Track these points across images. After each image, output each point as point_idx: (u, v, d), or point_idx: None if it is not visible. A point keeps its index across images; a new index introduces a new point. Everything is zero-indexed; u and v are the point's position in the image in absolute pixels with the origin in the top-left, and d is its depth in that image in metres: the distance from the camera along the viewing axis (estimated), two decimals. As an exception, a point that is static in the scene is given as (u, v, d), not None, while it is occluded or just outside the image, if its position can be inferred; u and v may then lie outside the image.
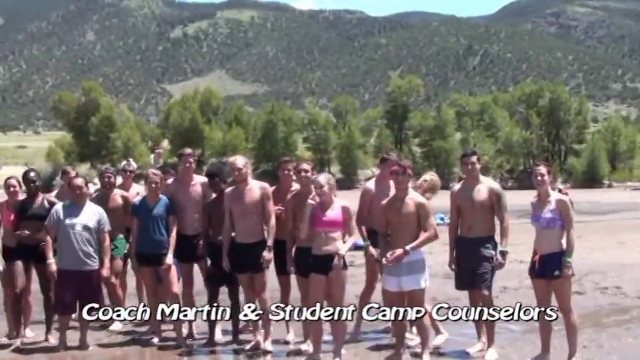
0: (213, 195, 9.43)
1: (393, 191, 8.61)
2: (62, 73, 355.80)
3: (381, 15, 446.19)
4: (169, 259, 9.37)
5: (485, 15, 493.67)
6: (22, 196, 9.91)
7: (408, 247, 8.10)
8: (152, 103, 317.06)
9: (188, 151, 10.02)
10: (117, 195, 10.40)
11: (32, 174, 9.82)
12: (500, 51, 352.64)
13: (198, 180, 9.80)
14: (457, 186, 9.04)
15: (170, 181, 10.07)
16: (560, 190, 8.47)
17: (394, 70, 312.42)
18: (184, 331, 9.63)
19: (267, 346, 8.99)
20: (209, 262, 9.43)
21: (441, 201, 9.62)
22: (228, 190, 9.08)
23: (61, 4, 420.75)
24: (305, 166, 9.19)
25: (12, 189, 9.83)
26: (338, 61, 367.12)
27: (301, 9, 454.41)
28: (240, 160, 9.04)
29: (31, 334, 9.80)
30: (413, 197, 8.29)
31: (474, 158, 8.76)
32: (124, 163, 11.47)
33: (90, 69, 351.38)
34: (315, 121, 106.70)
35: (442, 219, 21.14)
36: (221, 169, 9.51)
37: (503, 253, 8.63)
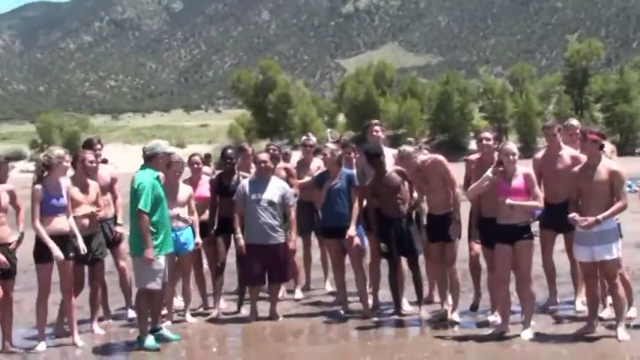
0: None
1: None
2: (240, 52, 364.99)
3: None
4: (352, 230, 9.44)
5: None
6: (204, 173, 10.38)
7: (600, 217, 7.81)
8: (327, 79, 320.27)
9: (374, 121, 10.22)
10: (280, 169, 10.59)
11: (230, 151, 10.13)
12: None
13: (390, 152, 9.81)
14: None
15: (358, 155, 10.18)
16: None
17: (572, 34, 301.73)
18: (370, 302, 9.70)
19: (455, 317, 8.95)
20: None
21: (628, 168, 9.20)
22: (409, 170, 9.10)
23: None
24: (487, 134, 9.06)
25: (195, 165, 10.24)
26: (512, 27, 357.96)
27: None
28: (407, 148, 9.10)
29: (224, 305, 10.15)
30: (606, 165, 8.00)
31: None
32: (304, 137, 11.65)
33: (266, 47, 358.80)
34: (490, 90, 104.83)
35: (630, 186, 20.29)
36: (374, 149, 9.50)
37: None
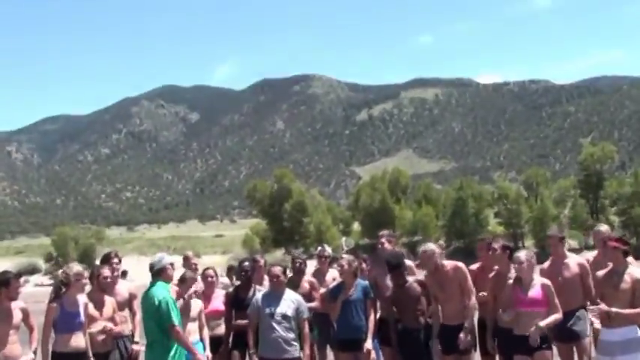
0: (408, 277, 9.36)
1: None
2: (255, 162, 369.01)
3: (568, 82, 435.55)
4: (369, 343, 9.30)
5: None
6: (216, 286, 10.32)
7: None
8: (341, 187, 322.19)
9: (383, 232, 10.06)
10: (305, 282, 10.54)
11: (246, 263, 10.12)
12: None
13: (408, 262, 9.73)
14: None
15: (369, 267, 10.12)
16: None
17: (585, 138, 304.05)
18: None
19: None
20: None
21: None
22: (426, 275, 9.02)
23: (252, 97, 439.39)
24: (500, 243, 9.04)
25: (209, 279, 10.21)
26: (525, 132, 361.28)
27: (485, 83, 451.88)
28: (430, 246, 9.01)
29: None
30: (632, 273, 7.91)
31: None
32: (319, 248, 11.63)
33: (281, 156, 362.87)
34: (505, 195, 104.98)
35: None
36: (396, 259, 9.39)
37: None
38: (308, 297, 10.32)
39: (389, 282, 9.59)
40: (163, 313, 8.22)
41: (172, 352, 8.26)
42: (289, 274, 10.79)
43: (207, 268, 10.45)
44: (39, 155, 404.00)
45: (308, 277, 10.78)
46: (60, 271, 8.77)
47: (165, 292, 8.40)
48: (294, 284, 10.43)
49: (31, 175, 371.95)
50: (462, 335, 8.68)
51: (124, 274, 9.85)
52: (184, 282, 9.28)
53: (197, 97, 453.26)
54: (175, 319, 8.26)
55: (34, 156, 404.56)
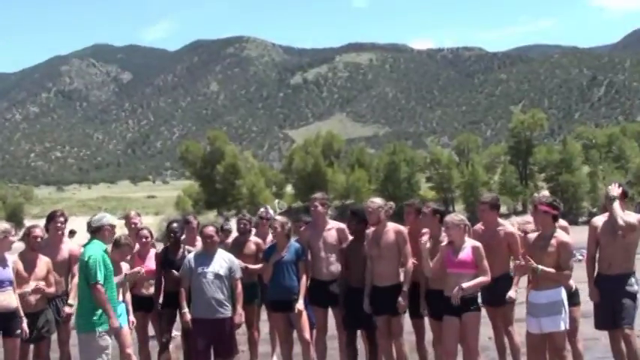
0: (350, 238, 9.42)
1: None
2: (188, 123, 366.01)
3: (500, 50, 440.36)
4: (300, 304, 9.38)
5: (609, 44, 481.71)
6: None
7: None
8: (275, 149, 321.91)
9: (315, 195, 10.06)
10: (251, 242, 10.56)
11: (175, 225, 10.06)
12: (625, 80, 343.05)
13: (334, 225, 9.79)
14: (601, 218, 8.74)
15: (303, 228, 10.14)
16: None
17: (516, 105, 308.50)
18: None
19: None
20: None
21: (573, 237, 9.19)
22: (368, 231, 9.05)
23: (185, 58, 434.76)
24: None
25: (144, 240, 10.16)
26: (458, 98, 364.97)
27: (419, 49, 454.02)
28: (376, 201, 9.03)
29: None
30: (557, 236, 8.08)
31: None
32: (262, 210, 11.66)
33: (214, 118, 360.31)
34: (437, 160, 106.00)
35: (575, 255, 20.44)
36: (361, 210, 9.45)
37: None
38: (254, 258, 10.34)
39: (321, 244, 9.63)
40: (90, 270, 8.11)
41: (99, 311, 8.19)
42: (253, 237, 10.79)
43: (142, 229, 10.38)
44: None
45: (254, 238, 10.78)
46: None
47: (98, 250, 8.30)
48: (240, 245, 10.45)
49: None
50: (400, 299, 8.76)
51: (72, 233, 9.68)
52: (119, 247, 9.21)
53: (129, 57, 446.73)
54: (100, 277, 8.12)
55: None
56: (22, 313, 8.34)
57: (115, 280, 8.68)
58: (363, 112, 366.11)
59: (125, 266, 9.49)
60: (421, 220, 9.06)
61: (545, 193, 9.53)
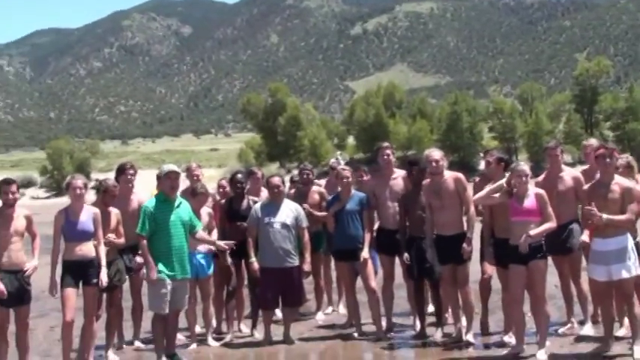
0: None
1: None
2: (249, 76, 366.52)
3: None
4: (365, 253, 9.45)
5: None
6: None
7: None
8: (336, 101, 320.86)
9: (385, 144, 10.12)
10: (315, 192, 10.64)
11: (239, 176, 10.21)
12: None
13: (399, 173, 9.81)
14: None
15: (368, 177, 10.21)
16: None
17: (580, 53, 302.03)
18: (383, 324, 9.69)
19: (470, 338, 8.92)
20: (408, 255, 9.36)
21: None
22: (425, 182, 9.06)
23: (244, 10, 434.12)
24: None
25: (221, 189, 10.31)
26: (521, 46, 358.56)
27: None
28: (436, 153, 9.01)
29: (246, 329, 10.13)
30: (619, 182, 8.00)
31: None
32: (333, 160, 11.75)
33: (275, 70, 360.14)
34: (500, 110, 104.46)
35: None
36: (420, 159, 9.45)
37: None
38: (318, 207, 10.43)
39: (388, 192, 9.68)
40: (137, 221, 8.44)
41: (160, 260, 8.42)
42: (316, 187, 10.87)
43: (222, 179, 10.52)
44: (31, 69, 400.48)
45: (317, 188, 10.85)
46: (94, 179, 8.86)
47: (150, 201, 8.57)
48: (303, 195, 10.55)
49: (24, 89, 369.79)
50: (465, 245, 8.75)
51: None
52: (196, 196, 9.39)
53: (189, 11, 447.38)
54: (141, 229, 8.39)
55: (26, 69, 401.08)
56: (103, 262, 8.54)
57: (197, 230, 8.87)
58: (424, 62, 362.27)
59: (205, 212, 9.62)
60: (486, 168, 9.08)
61: (593, 140, 9.50)
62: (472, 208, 8.80)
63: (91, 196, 9.05)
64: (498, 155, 9.03)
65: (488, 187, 8.59)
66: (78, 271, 8.35)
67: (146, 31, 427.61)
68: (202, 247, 9.38)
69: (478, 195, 8.65)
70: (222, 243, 9.12)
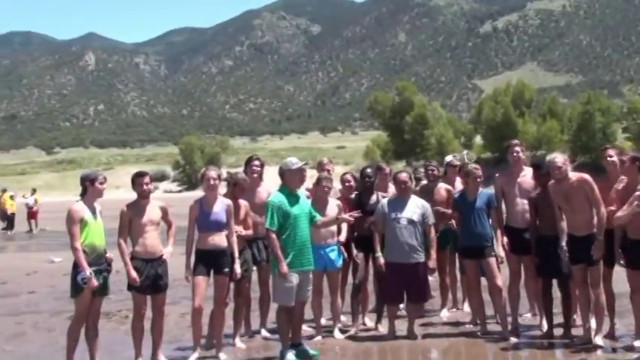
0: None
1: None
2: (376, 74, 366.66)
3: None
4: (500, 250, 9.44)
5: None
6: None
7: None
8: (463, 99, 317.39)
9: (515, 141, 10.08)
10: (441, 188, 10.66)
11: (368, 170, 10.34)
12: None
13: (529, 171, 9.73)
14: None
15: (497, 174, 10.16)
16: None
17: None
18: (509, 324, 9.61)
19: (599, 340, 8.73)
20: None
21: None
22: (550, 184, 8.93)
23: (373, 9, 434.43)
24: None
25: (347, 184, 10.45)
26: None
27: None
28: (558, 159, 8.86)
29: (370, 323, 10.24)
30: None
31: None
32: (450, 158, 11.74)
33: (402, 69, 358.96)
34: (635, 110, 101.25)
35: None
36: (544, 161, 9.31)
37: None
38: (445, 204, 10.46)
39: (517, 190, 9.61)
40: (265, 215, 8.59)
41: (288, 254, 8.53)
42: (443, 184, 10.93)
43: (345, 173, 10.66)
44: (165, 67, 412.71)
45: (444, 185, 10.88)
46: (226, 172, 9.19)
47: (277, 196, 8.66)
48: (429, 191, 10.58)
49: (159, 86, 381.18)
50: (594, 248, 8.58)
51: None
52: (319, 183, 9.57)
53: (318, 9, 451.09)
54: (270, 224, 8.47)
55: (161, 67, 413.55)
56: (236, 253, 8.83)
57: (321, 220, 9.02)
58: (555, 60, 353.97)
59: (334, 203, 9.70)
60: (620, 168, 8.89)
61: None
62: (603, 209, 8.60)
63: (222, 188, 9.31)
64: (634, 154, 8.83)
65: (626, 207, 8.35)
66: (210, 260, 8.66)
67: (276, 30, 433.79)
68: (332, 240, 9.52)
69: (620, 216, 8.42)
70: (345, 215, 9.20)
